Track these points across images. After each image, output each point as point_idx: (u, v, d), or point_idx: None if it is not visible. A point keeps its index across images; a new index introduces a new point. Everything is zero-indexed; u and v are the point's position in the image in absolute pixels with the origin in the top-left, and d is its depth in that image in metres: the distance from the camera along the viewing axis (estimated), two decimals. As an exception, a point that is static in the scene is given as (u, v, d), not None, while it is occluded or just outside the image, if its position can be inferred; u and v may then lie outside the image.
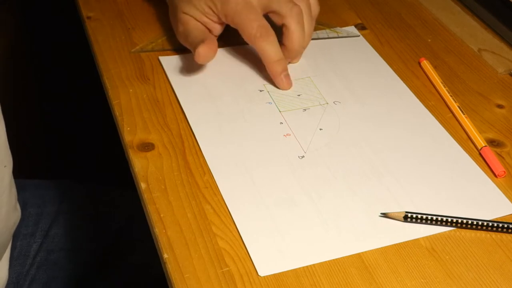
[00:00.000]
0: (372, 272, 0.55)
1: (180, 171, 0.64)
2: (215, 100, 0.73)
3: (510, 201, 0.61)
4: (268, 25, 0.73)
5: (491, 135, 0.69)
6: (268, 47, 0.72)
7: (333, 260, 0.56)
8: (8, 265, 0.84)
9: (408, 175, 0.64)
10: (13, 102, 0.85)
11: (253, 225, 0.58)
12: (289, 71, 0.76)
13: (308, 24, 0.75)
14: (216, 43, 0.74)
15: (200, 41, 0.72)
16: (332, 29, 0.84)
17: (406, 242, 0.57)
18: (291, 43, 0.74)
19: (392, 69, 0.78)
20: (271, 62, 0.72)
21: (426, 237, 0.58)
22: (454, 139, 0.68)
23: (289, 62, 0.77)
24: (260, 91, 0.74)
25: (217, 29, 0.76)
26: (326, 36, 0.83)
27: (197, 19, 0.75)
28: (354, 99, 0.73)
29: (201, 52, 0.71)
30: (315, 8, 0.77)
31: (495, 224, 0.58)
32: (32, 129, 1.45)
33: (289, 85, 0.74)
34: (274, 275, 0.54)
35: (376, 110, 0.72)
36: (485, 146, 0.67)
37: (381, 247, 0.57)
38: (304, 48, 0.76)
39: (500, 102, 0.74)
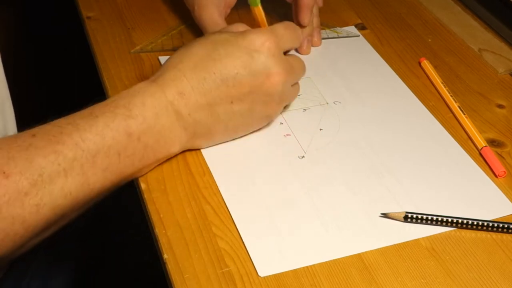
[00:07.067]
0: (372, 272, 0.55)
1: (180, 171, 0.63)
2: (215, 100, 0.72)
3: (510, 201, 0.61)
4: None
5: (491, 135, 0.69)
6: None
7: (333, 260, 0.56)
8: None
9: (408, 175, 0.64)
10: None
11: (253, 225, 0.58)
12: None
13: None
14: None
15: None
16: (332, 29, 0.84)
17: (406, 242, 0.57)
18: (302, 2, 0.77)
19: (392, 69, 0.78)
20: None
21: (426, 237, 0.58)
22: (454, 139, 0.68)
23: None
24: (260, 91, 0.74)
25: None
26: (326, 36, 0.83)
27: None
28: (354, 99, 0.73)
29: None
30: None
31: (495, 224, 0.58)
32: (32, 129, 1.44)
33: (309, 49, 0.80)
34: (274, 275, 0.54)
35: (376, 110, 0.72)
36: (486, 146, 0.66)
37: (381, 247, 0.57)
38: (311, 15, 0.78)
39: (501, 102, 0.74)
